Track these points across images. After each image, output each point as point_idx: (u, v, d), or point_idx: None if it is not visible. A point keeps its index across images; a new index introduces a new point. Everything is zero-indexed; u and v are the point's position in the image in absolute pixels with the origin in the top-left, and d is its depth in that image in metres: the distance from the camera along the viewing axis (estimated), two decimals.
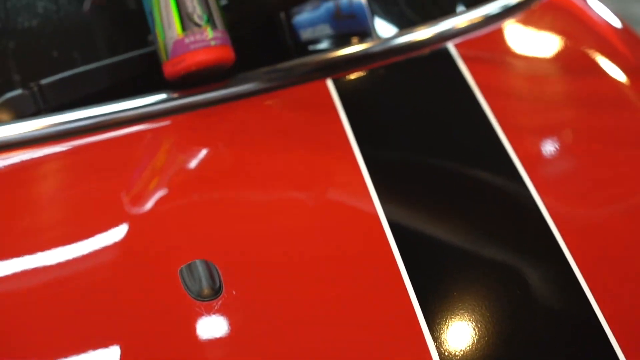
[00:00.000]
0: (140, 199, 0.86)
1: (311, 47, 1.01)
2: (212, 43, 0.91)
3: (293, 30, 1.02)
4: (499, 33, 1.08)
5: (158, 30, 0.90)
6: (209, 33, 0.90)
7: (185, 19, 0.89)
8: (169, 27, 0.89)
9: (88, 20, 1.02)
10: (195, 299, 0.74)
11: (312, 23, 1.01)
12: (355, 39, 1.02)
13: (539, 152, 0.94)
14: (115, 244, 0.80)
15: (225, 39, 0.92)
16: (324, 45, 1.02)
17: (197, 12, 0.89)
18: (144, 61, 0.95)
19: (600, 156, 0.95)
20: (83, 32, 1.01)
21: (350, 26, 1.02)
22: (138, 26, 0.97)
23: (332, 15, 1.01)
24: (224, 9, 0.95)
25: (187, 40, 0.89)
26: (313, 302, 0.76)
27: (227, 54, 0.93)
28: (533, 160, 0.90)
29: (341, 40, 1.02)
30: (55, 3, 1.01)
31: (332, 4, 1.01)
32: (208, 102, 0.94)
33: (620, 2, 3.58)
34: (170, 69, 0.90)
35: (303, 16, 1.01)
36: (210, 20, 0.91)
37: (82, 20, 1.02)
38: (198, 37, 0.89)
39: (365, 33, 1.02)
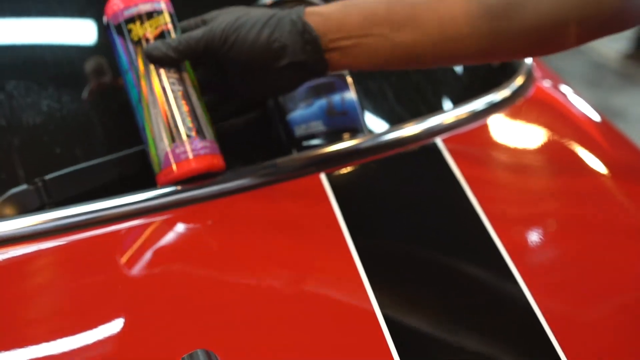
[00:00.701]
0: (139, 290, 0.88)
1: (305, 143, 1.05)
2: (202, 152, 0.95)
3: (288, 127, 1.06)
4: (485, 128, 1.13)
5: (150, 143, 0.94)
6: (198, 143, 0.94)
7: (175, 131, 0.93)
8: (160, 139, 0.93)
9: (90, 117, 1.06)
10: None
11: (306, 120, 1.05)
12: (347, 135, 1.06)
13: (524, 241, 0.98)
14: (116, 335, 0.82)
15: (215, 148, 0.96)
16: (317, 140, 1.06)
17: (186, 124, 0.94)
18: (143, 157, 0.99)
19: (585, 246, 0.98)
20: (85, 129, 1.05)
21: (343, 122, 1.06)
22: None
23: (325, 112, 1.06)
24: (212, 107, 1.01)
25: (177, 151, 0.93)
26: None
27: (217, 162, 0.96)
28: (518, 249, 0.94)
29: (334, 136, 1.06)
30: (59, 102, 1.05)
31: (325, 102, 1.05)
32: (203, 197, 0.97)
33: (601, 95, 3.67)
34: (162, 179, 0.94)
35: (297, 113, 1.06)
36: (200, 132, 0.95)
37: (84, 119, 1.06)
38: (187, 147, 0.93)
39: (357, 129, 1.07)
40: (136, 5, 0.96)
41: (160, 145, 0.93)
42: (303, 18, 0.94)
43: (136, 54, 0.95)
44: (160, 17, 0.97)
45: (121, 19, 0.96)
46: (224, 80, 1.00)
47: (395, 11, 0.93)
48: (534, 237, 0.99)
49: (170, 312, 0.85)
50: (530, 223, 1.00)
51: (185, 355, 0.78)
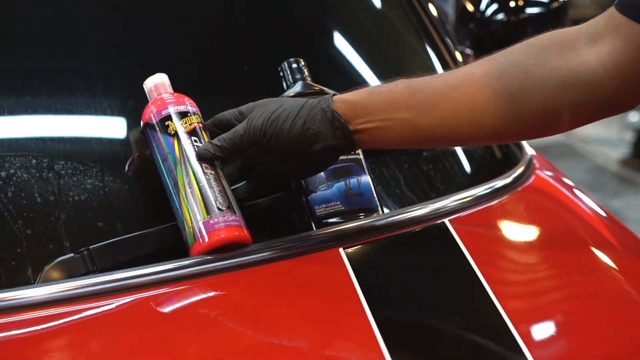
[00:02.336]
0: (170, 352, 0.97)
1: (325, 221, 1.15)
2: (233, 224, 1.05)
3: (309, 206, 1.16)
4: (488, 210, 1.23)
5: (187, 219, 1.04)
6: (229, 216, 1.05)
7: (209, 207, 1.04)
8: (195, 215, 1.04)
9: (129, 195, 1.16)
10: None
11: (326, 200, 1.16)
12: (362, 215, 1.16)
13: (527, 311, 1.07)
14: None
15: (242, 222, 1.07)
16: (336, 219, 1.15)
17: (218, 200, 1.05)
18: (177, 231, 1.08)
19: (589, 322, 1.07)
20: (125, 206, 1.15)
21: (359, 203, 1.16)
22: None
23: (343, 193, 1.16)
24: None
25: (211, 222, 1.04)
26: None
27: (245, 234, 1.07)
28: (522, 319, 1.03)
29: (351, 215, 1.16)
30: (102, 181, 1.16)
31: (342, 184, 1.16)
32: (230, 267, 1.07)
33: (601, 198, 3.78)
34: (197, 248, 1.04)
35: (317, 194, 1.16)
36: (230, 208, 1.06)
37: (124, 196, 1.16)
38: (220, 219, 1.04)
39: (372, 209, 1.17)
40: (172, 105, 1.09)
41: (195, 219, 1.04)
42: (332, 107, 1.05)
43: (173, 145, 1.07)
44: (193, 117, 1.10)
45: (158, 118, 1.09)
46: (264, 165, 1.10)
47: (416, 98, 1.03)
48: (534, 308, 1.08)
49: None
50: (529, 292, 1.09)
51: None
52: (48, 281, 1.04)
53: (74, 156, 1.17)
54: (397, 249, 1.14)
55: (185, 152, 1.07)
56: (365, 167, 1.18)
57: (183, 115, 1.09)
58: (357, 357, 0.99)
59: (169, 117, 1.09)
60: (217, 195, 1.06)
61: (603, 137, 4.72)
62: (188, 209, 1.05)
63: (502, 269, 1.13)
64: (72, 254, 1.06)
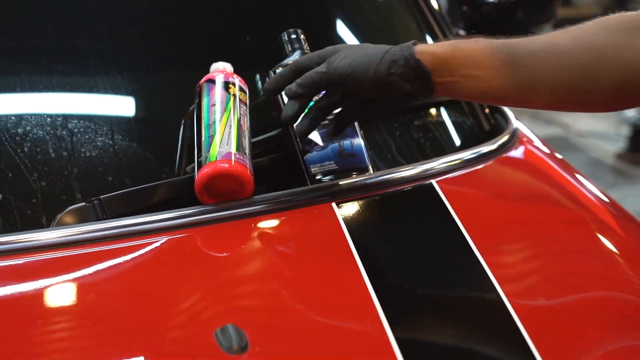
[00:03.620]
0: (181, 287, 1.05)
1: (319, 179, 1.23)
2: (249, 167, 1.15)
3: (305, 165, 1.24)
4: (474, 173, 1.31)
5: (214, 142, 1.13)
6: (248, 162, 1.15)
7: (241, 146, 1.16)
8: (227, 143, 1.13)
9: (138, 151, 1.25)
10: (226, 352, 0.93)
11: (321, 160, 1.24)
12: (354, 174, 1.24)
13: (511, 266, 1.15)
14: (166, 313, 0.99)
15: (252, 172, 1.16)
16: (329, 177, 1.23)
17: (247, 146, 1.17)
18: (186, 184, 1.17)
19: (568, 273, 1.15)
20: (133, 162, 1.23)
21: (352, 163, 1.24)
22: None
23: (337, 153, 1.24)
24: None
25: (238, 155, 1.14)
26: None
27: (251, 181, 1.15)
28: (497, 260, 1.11)
29: (343, 174, 1.24)
30: (112, 139, 1.24)
31: (337, 145, 1.24)
32: (230, 217, 1.15)
33: None
34: (217, 166, 1.13)
35: (313, 154, 1.24)
36: (249, 158, 1.15)
37: (133, 153, 1.24)
38: (245, 158, 1.15)
39: (364, 169, 1.24)
40: (239, 80, 1.25)
41: (227, 147, 1.14)
42: (416, 56, 1.11)
43: (229, 99, 1.21)
44: (246, 95, 1.24)
45: (224, 80, 1.24)
46: (343, 105, 1.18)
47: (496, 58, 1.08)
48: (518, 262, 1.16)
49: (206, 298, 1.02)
50: (507, 244, 1.17)
51: (217, 329, 0.95)
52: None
53: (86, 116, 1.25)
54: (386, 205, 1.22)
55: (236, 107, 1.20)
56: (358, 130, 1.26)
57: (242, 90, 1.24)
58: (347, 300, 1.06)
59: (233, 84, 1.23)
60: (247, 143, 1.17)
61: (600, 132, 4.79)
62: (221, 139, 1.15)
63: (483, 224, 1.20)
64: (83, 203, 1.14)
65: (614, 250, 1.22)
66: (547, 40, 1.08)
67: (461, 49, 1.10)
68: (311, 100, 1.17)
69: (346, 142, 1.24)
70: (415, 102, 1.34)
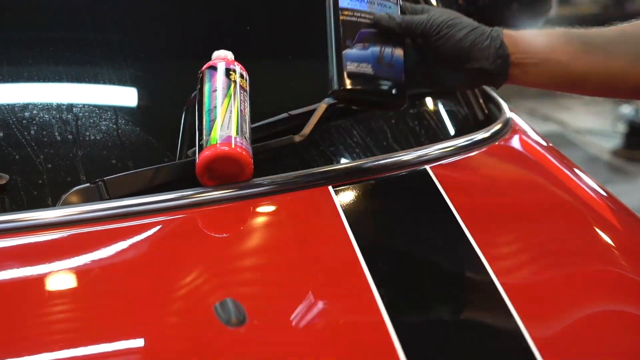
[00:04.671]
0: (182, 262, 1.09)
1: (352, 79, 1.20)
2: (248, 149, 1.19)
3: (341, 60, 1.19)
4: (467, 159, 1.35)
5: (215, 126, 1.17)
6: (247, 145, 1.18)
7: (240, 130, 1.19)
8: (227, 127, 1.17)
9: (140, 135, 1.29)
10: (225, 325, 0.97)
11: (358, 59, 1.22)
12: (386, 86, 1.22)
13: (501, 246, 1.19)
14: (168, 288, 1.03)
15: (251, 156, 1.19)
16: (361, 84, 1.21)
17: (247, 131, 1.21)
18: (187, 166, 1.20)
19: (559, 263, 1.18)
20: (136, 145, 1.27)
21: (387, 73, 1.23)
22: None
23: (376, 59, 1.23)
24: None
25: (238, 139, 1.17)
26: None
27: (250, 164, 1.19)
28: (489, 245, 1.15)
29: (375, 84, 1.21)
30: (115, 123, 1.28)
31: (377, 50, 1.23)
32: (230, 198, 1.18)
33: None
34: (218, 149, 1.17)
35: (353, 51, 1.21)
36: (249, 142, 1.20)
37: (135, 137, 1.28)
38: (244, 141, 1.19)
39: (397, 81, 1.21)
40: (239, 68, 1.28)
41: (227, 131, 1.18)
42: (501, 37, 1.17)
43: (230, 85, 1.24)
44: (246, 82, 1.28)
45: (226, 67, 1.27)
46: (420, 64, 1.22)
47: (573, 44, 1.15)
48: (501, 232, 1.20)
49: (205, 273, 1.06)
50: (499, 226, 1.21)
51: (217, 303, 0.99)
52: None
53: (90, 101, 1.29)
54: (381, 189, 1.26)
55: (237, 93, 1.24)
56: (406, 44, 1.23)
57: (242, 76, 1.28)
58: (343, 279, 1.10)
59: (234, 71, 1.27)
60: (247, 128, 1.21)
61: (596, 129, 4.84)
62: (222, 123, 1.19)
63: (475, 207, 1.24)
64: (88, 184, 1.17)
65: (601, 233, 1.26)
66: (617, 29, 1.16)
67: (540, 34, 1.18)
68: None
69: (387, 50, 1.22)
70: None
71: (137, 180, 1.20)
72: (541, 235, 1.21)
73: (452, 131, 1.52)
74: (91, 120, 1.28)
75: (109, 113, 1.29)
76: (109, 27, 1.40)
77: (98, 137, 1.27)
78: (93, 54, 1.36)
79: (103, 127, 1.28)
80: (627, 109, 4.62)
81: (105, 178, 1.18)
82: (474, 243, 1.15)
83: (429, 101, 1.55)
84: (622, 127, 4.68)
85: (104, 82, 1.34)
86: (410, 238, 1.17)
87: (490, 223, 1.22)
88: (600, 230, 1.27)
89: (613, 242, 1.23)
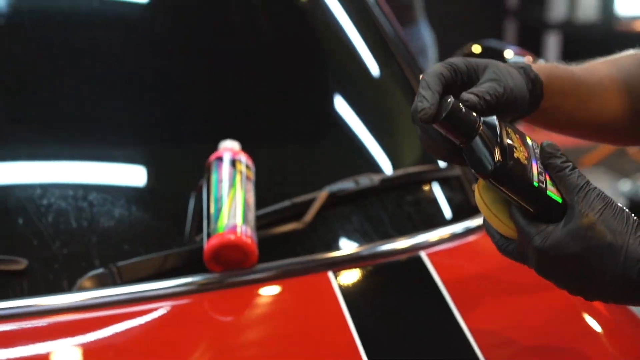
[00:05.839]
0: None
1: None
2: (253, 237, 1.27)
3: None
4: (461, 246, 1.42)
5: (222, 214, 1.25)
6: (252, 232, 1.27)
7: (246, 219, 1.27)
8: (234, 216, 1.25)
9: (150, 223, 1.36)
10: None
11: None
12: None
13: (496, 338, 1.25)
14: None
15: (256, 243, 1.27)
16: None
17: (252, 220, 1.28)
18: (195, 254, 1.28)
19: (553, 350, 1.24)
20: (147, 232, 1.35)
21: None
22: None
23: None
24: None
25: (243, 228, 1.25)
26: None
27: (256, 252, 1.26)
28: (481, 330, 1.21)
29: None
30: (128, 210, 1.36)
31: None
32: (232, 284, 1.26)
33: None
34: (223, 239, 1.24)
35: None
36: (253, 230, 1.27)
37: (146, 224, 1.36)
38: (248, 230, 1.27)
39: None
40: (245, 157, 1.37)
41: (233, 219, 1.26)
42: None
43: (235, 175, 1.33)
44: (251, 171, 1.36)
45: (231, 158, 1.36)
46: None
47: (578, 91, 1.08)
48: (495, 320, 1.26)
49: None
50: (493, 313, 1.28)
51: None
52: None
53: (104, 187, 1.37)
54: (379, 276, 1.33)
55: (242, 184, 1.32)
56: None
57: (248, 167, 1.36)
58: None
59: (240, 161, 1.36)
60: (252, 216, 1.29)
61: None
62: (228, 212, 1.27)
63: (467, 294, 1.31)
64: (102, 269, 1.25)
65: (590, 319, 1.32)
66: (608, 77, 1.12)
67: (557, 78, 1.08)
68: None
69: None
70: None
71: (148, 266, 1.27)
72: (535, 323, 1.27)
73: (447, 217, 1.59)
74: (105, 208, 1.35)
75: (121, 200, 1.37)
76: (122, 115, 1.49)
77: (111, 224, 1.34)
78: (105, 141, 1.45)
79: (116, 214, 1.35)
80: (626, 185, 4.69)
81: (118, 264, 1.25)
82: (466, 330, 1.21)
83: (425, 187, 1.62)
84: (622, 203, 4.71)
85: (117, 170, 1.42)
86: (406, 324, 1.23)
87: (483, 310, 1.29)
88: (590, 316, 1.33)
89: (603, 331, 1.29)
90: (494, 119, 0.91)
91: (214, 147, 1.39)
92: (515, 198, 0.91)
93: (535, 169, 0.91)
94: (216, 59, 1.59)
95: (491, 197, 0.94)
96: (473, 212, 1.55)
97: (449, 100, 0.90)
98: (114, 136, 1.45)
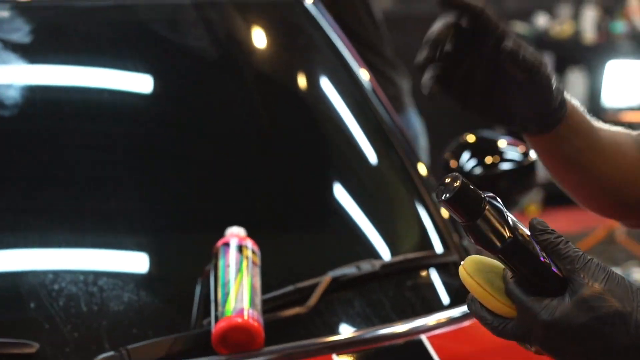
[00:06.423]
0: None
1: None
2: (259, 320, 1.31)
3: None
4: (462, 330, 1.47)
5: (229, 298, 1.29)
6: (259, 317, 1.31)
7: (253, 303, 1.31)
8: (241, 300, 1.29)
9: (156, 309, 1.40)
10: None
11: None
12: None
13: None
14: None
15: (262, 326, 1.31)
16: None
17: (259, 303, 1.33)
18: (203, 336, 1.32)
19: None
20: (155, 316, 1.39)
21: None
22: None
23: None
24: None
25: (250, 312, 1.30)
26: None
27: (261, 335, 1.30)
28: None
29: None
30: (137, 295, 1.40)
31: None
32: None
33: None
34: (231, 322, 1.28)
35: None
36: (260, 313, 1.32)
37: (154, 308, 1.40)
38: (255, 313, 1.31)
39: None
40: (251, 243, 1.42)
41: (240, 303, 1.30)
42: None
43: (242, 260, 1.37)
44: (257, 256, 1.40)
45: (238, 243, 1.40)
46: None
47: (597, 133, 1.11)
48: None
49: None
50: None
51: None
52: None
53: (114, 274, 1.42)
54: (381, 358, 1.37)
55: (249, 269, 1.36)
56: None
57: (254, 252, 1.41)
58: None
59: (246, 247, 1.41)
60: (258, 300, 1.34)
61: None
62: (236, 296, 1.31)
63: None
64: (112, 352, 1.28)
65: None
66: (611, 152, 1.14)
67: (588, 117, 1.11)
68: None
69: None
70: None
71: (158, 349, 1.31)
72: None
73: (446, 301, 1.64)
74: (114, 292, 1.39)
75: (130, 285, 1.41)
76: (132, 204, 1.54)
77: (121, 308, 1.38)
78: (116, 228, 1.50)
79: (125, 299, 1.39)
80: (637, 274, 4.63)
81: (128, 347, 1.29)
82: None
83: (424, 272, 1.67)
84: None
85: (126, 256, 1.47)
86: None
87: None
88: None
89: None
90: (494, 196, 0.92)
91: (220, 234, 1.44)
92: (522, 274, 0.90)
93: (537, 245, 0.91)
94: (223, 150, 1.65)
95: (483, 276, 0.93)
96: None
97: (456, 180, 0.90)
98: (123, 224, 1.50)
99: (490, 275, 0.92)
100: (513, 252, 0.90)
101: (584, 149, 1.10)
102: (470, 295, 0.93)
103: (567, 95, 1.07)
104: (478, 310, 0.94)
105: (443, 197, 0.90)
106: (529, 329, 0.91)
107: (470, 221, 0.90)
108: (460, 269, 0.93)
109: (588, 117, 1.11)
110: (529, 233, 0.91)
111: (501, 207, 0.91)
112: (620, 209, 1.20)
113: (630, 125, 1.24)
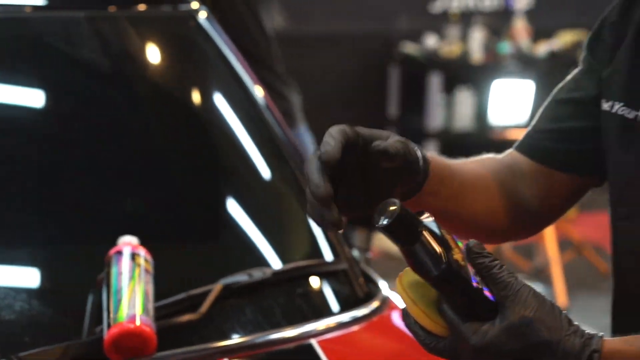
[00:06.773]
0: None
1: None
2: (152, 327, 1.33)
3: None
4: (350, 334, 1.52)
5: (122, 304, 1.31)
6: (152, 324, 1.33)
7: (146, 309, 1.34)
8: (133, 306, 1.31)
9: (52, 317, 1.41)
10: None
11: None
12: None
13: None
14: None
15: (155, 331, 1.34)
16: None
17: (151, 310, 1.34)
18: (95, 344, 1.33)
19: None
20: (47, 325, 1.40)
21: None
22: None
23: None
24: None
25: (143, 318, 1.32)
26: None
27: (154, 342, 1.33)
28: None
29: None
30: (28, 304, 1.41)
31: None
32: None
33: None
34: (124, 327, 1.30)
35: None
36: (153, 320, 1.34)
37: (47, 317, 1.41)
38: (148, 320, 1.33)
39: None
40: (143, 251, 1.44)
41: (133, 309, 1.32)
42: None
43: (134, 268, 1.39)
44: (149, 264, 1.43)
45: (130, 252, 1.42)
46: None
47: (460, 178, 1.13)
48: None
49: None
50: None
51: None
52: None
53: (6, 284, 1.42)
54: None
55: (142, 276, 1.39)
56: None
57: (146, 260, 1.43)
58: None
59: (139, 255, 1.43)
60: (150, 306, 1.36)
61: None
62: (128, 302, 1.33)
63: None
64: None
65: None
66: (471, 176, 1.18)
67: (448, 162, 1.12)
68: None
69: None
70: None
71: (50, 356, 1.32)
72: None
73: (335, 307, 1.69)
74: (6, 302, 1.40)
75: (22, 294, 1.42)
76: (24, 214, 1.55)
77: (12, 317, 1.38)
78: (6, 237, 1.50)
79: (17, 307, 1.40)
80: None
81: (20, 354, 1.29)
82: None
83: (314, 280, 1.72)
84: None
85: (19, 264, 1.48)
86: None
87: None
88: None
89: None
90: (433, 221, 0.93)
91: (113, 244, 1.46)
92: (455, 298, 0.91)
93: (471, 269, 0.92)
94: (116, 161, 1.67)
95: (418, 294, 0.92)
96: (358, 302, 1.65)
97: (394, 206, 0.90)
98: (17, 233, 1.50)
99: (426, 290, 0.92)
100: (446, 280, 0.89)
101: (450, 197, 1.11)
102: (405, 308, 0.93)
103: (426, 152, 1.05)
104: (411, 325, 0.94)
105: (380, 223, 0.89)
106: (460, 351, 0.91)
107: (407, 245, 0.90)
108: (397, 281, 0.93)
109: (447, 161, 1.12)
110: (463, 256, 0.92)
111: (437, 230, 0.91)
112: (494, 237, 1.27)
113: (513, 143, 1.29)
